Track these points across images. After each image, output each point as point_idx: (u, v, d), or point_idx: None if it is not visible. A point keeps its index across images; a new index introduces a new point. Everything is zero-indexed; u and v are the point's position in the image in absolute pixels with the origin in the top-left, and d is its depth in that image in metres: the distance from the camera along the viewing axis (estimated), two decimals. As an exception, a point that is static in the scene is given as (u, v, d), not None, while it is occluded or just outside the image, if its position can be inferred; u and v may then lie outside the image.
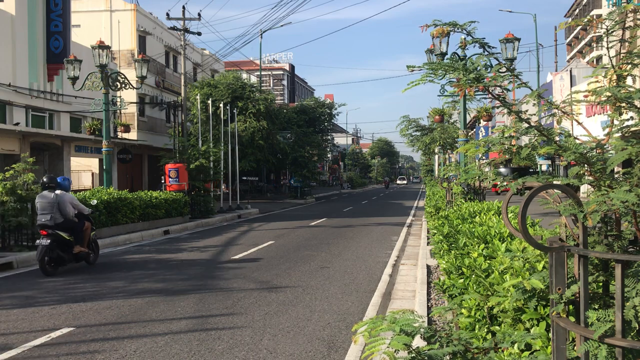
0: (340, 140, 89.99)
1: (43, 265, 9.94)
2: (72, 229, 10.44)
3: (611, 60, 2.64)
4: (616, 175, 2.52)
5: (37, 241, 10.14)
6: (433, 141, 33.22)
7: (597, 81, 2.92)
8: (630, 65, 2.63)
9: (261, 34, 42.46)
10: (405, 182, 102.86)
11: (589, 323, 2.20)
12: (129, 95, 28.27)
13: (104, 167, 18.22)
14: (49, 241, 9.96)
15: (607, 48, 2.63)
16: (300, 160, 40.67)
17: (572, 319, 2.37)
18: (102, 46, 17.68)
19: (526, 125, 2.68)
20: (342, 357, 5.41)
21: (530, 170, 37.90)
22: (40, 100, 23.33)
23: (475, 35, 2.91)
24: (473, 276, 4.14)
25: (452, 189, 13.21)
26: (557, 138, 2.64)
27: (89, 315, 7.06)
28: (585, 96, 2.69)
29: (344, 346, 5.73)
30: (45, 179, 10.64)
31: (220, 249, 13.50)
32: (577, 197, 2.39)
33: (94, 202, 12.89)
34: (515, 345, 2.80)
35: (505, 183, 2.60)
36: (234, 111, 31.22)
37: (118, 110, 27.65)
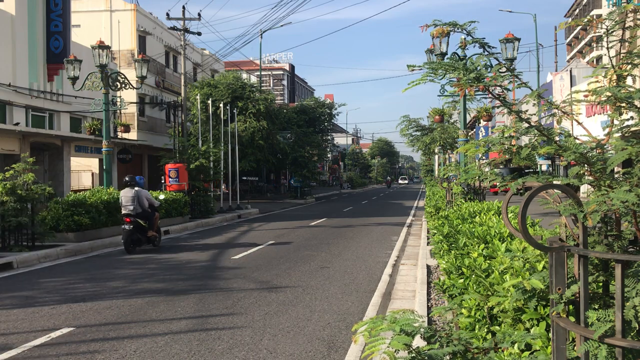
0: (340, 140, 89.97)
1: (127, 245, 12.68)
2: (146, 218, 13.07)
3: (611, 60, 2.64)
4: (616, 175, 2.52)
5: (123, 226, 12.77)
6: (433, 141, 33.20)
7: (597, 81, 2.92)
8: (630, 65, 2.63)
9: (261, 34, 42.48)
10: (406, 181, 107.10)
11: (589, 323, 2.20)
12: (129, 95, 28.26)
13: (104, 167, 18.22)
14: (131, 226, 12.69)
15: (607, 48, 2.63)
16: (300, 160, 40.66)
17: (572, 319, 2.37)
18: (102, 46, 17.68)
19: (526, 125, 2.68)
20: (342, 357, 5.41)
21: (528, 170, 37.89)
22: (40, 100, 23.33)
23: (475, 35, 2.91)
24: (473, 276, 4.14)
25: (452, 189, 13.21)
26: (557, 138, 2.64)
27: (89, 315, 7.06)
28: (585, 96, 2.69)
29: (344, 346, 5.73)
30: (127, 178, 13.27)
31: (220, 249, 13.50)
32: (577, 197, 2.39)
33: (162, 197, 16.28)
34: (515, 345, 2.80)
35: (505, 183, 2.60)
36: (234, 111, 31.22)
37: (118, 110, 27.64)
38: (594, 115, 27.12)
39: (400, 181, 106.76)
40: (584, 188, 2.79)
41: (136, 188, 13.00)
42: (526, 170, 35.46)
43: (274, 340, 5.92)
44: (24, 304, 7.71)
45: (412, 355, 2.56)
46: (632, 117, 2.62)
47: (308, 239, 15.49)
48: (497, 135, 2.83)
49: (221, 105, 28.76)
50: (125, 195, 12.90)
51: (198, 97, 26.78)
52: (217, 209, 24.31)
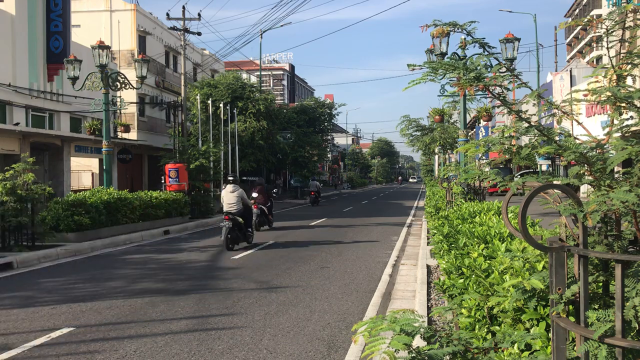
0: (340, 140, 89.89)
1: (313, 203, 31.61)
2: (319, 193, 32.34)
3: (611, 60, 2.64)
4: (616, 175, 2.52)
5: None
6: (433, 141, 33.15)
7: (597, 81, 2.92)
8: (630, 65, 2.63)
9: (261, 34, 42.44)
10: (415, 180, 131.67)
11: (589, 323, 2.20)
12: (129, 95, 28.24)
13: (104, 167, 18.22)
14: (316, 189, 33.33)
15: (607, 48, 2.63)
16: (300, 160, 40.66)
17: (572, 319, 2.37)
18: (102, 46, 17.68)
19: (526, 125, 2.68)
20: (342, 357, 5.41)
21: (528, 170, 37.80)
22: (40, 100, 23.31)
23: (475, 35, 2.91)
24: (473, 276, 4.14)
25: (452, 189, 13.20)
26: (557, 138, 2.63)
27: (89, 315, 7.06)
28: (585, 96, 2.69)
29: (344, 346, 5.73)
30: (311, 181, 33.92)
31: (220, 249, 13.49)
32: (577, 197, 2.39)
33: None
34: (515, 345, 2.80)
35: (505, 183, 2.60)
36: (234, 111, 31.22)
37: (118, 110, 27.62)
38: (594, 115, 27.11)
39: (410, 180, 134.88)
40: (584, 188, 2.78)
41: (316, 182, 30.84)
42: (521, 172, 35.39)
43: (274, 340, 5.93)
44: (24, 304, 7.71)
45: (412, 355, 2.56)
46: (632, 117, 2.62)
47: (308, 238, 15.49)
48: (497, 135, 2.83)
49: (221, 105, 28.75)
50: (313, 182, 30.37)
51: (198, 97, 26.77)
52: (217, 209, 24.28)
